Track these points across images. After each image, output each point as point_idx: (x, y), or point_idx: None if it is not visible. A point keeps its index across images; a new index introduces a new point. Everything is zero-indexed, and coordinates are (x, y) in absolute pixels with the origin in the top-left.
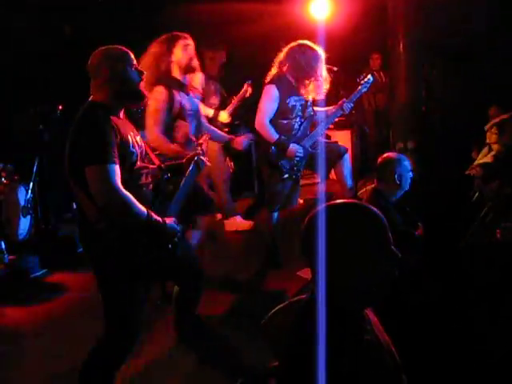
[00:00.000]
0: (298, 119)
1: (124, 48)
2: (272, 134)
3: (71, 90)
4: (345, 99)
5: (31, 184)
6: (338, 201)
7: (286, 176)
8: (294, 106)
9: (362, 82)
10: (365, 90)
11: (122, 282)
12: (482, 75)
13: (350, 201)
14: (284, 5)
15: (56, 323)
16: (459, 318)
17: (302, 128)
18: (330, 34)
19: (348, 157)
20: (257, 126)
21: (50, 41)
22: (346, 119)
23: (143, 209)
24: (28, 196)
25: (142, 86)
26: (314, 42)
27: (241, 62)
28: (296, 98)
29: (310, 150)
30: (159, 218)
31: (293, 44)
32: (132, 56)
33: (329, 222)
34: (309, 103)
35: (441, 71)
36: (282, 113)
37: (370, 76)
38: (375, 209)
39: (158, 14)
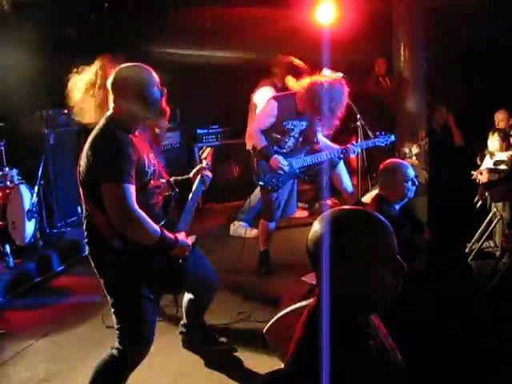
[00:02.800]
0: (292, 139)
1: (147, 67)
2: (260, 142)
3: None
4: (354, 142)
5: (36, 187)
6: (344, 207)
7: (269, 187)
8: (290, 130)
9: (381, 136)
10: (379, 143)
11: (134, 295)
12: (488, 79)
13: (355, 207)
14: (289, 10)
15: (61, 327)
16: (463, 322)
17: (295, 148)
18: (335, 39)
19: (342, 164)
20: (248, 132)
21: (54, 43)
22: (350, 124)
23: (157, 228)
24: (33, 199)
25: (163, 103)
26: (319, 47)
27: (244, 66)
28: (295, 122)
29: (297, 171)
30: (172, 236)
31: (316, 79)
32: (154, 75)
33: (334, 228)
34: (317, 131)
35: (446, 76)
36: (276, 129)
37: (392, 136)
38: (381, 216)
39: (162, 18)
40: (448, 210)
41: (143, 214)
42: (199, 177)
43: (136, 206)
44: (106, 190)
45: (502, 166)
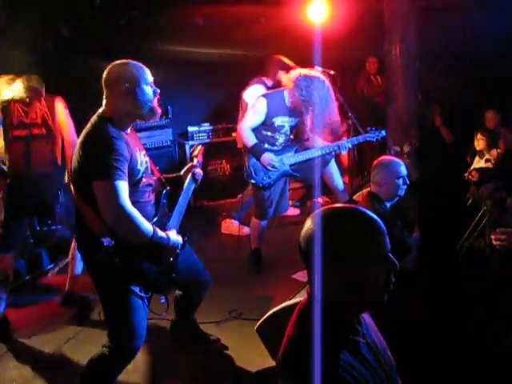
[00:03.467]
0: (283, 136)
1: (141, 64)
2: (250, 140)
3: (68, 91)
4: (345, 138)
5: None
6: (336, 205)
7: (260, 185)
8: (280, 126)
9: (372, 131)
10: (370, 138)
11: (125, 293)
12: (479, 78)
13: (348, 205)
14: (281, 8)
15: (51, 325)
16: (454, 320)
17: (286, 145)
18: (326, 38)
19: (334, 162)
20: (238, 130)
21: (49, 41)
22: (342, 123)
23: (149, 225)
24: None
25: (155, 103)
26: (311, 45)
27: (237, 64)
28: (285, 118)
29: (288, 168)
30: (163, 234)
31: (303, 73)
32: (148, 73)
33: (326, 226)
34: (306, 127)
35: (437, 75)
36: (266, 126)
37: (383, 131)
38: (373, 214)
39: (156, 17)
40: (439, 209)
41: (136, 212)
42: (190, 175)
43: (128, 203)
44: (98, 187)
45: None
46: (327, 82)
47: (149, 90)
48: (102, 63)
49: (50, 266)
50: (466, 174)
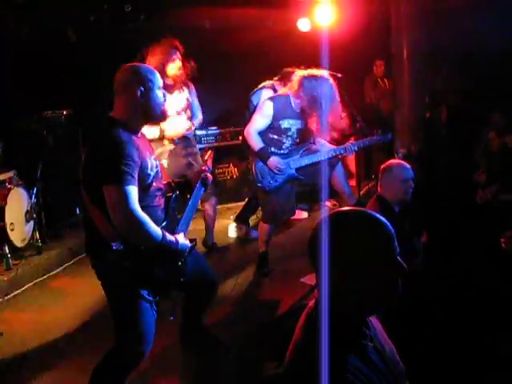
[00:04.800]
0: (289, 139)
1: (153, 69)
2: (257, 143)
3: (76, 95)
4: (351, 141)
5: (35, 189)
6: (345, 208)
7: (267, 189)
8: (286, 129)
9: (379, 134)
10: (376, 141)
11: (133, 297)
12: (486, 81)
13: (355, 208)
14: (288, 11)
15: (60, 328)
16: (462, 324)
17: (293, 149)
18: (333, 41)
19: (340, 166)
20: (245, 134)
21: (54, 45)
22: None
23: (158, 230)
24: (32, 201)
25: (165, 107)
26: (318, 49)
27: (245, 67)
28: (292, 121)
29: (294, 171)
30: (173, 238)
31: (308, 74)
32: (159, 78)
33: (335, 229)
34: (312, 130)
35: (444, 78)
36: (273, 129)
37: (390, 134)
38: (382, 217)
39: (159, 19)
40: (446, 212)
41: (145, 217)
42: (200, 179)
43: (138, 209)
44: (108, 192)
45: None
46: (331, 81)
47: (160, 93)
48: (108, 66)
49: (58, 269)
50: (475, 176)
